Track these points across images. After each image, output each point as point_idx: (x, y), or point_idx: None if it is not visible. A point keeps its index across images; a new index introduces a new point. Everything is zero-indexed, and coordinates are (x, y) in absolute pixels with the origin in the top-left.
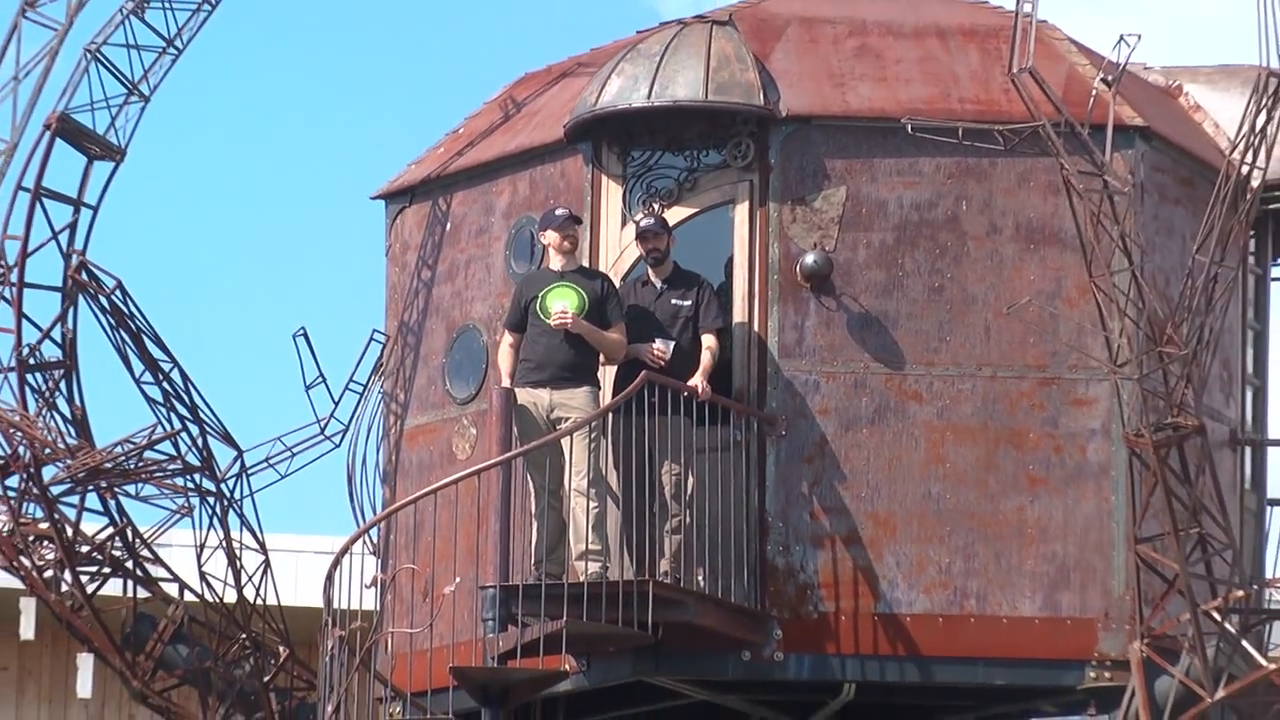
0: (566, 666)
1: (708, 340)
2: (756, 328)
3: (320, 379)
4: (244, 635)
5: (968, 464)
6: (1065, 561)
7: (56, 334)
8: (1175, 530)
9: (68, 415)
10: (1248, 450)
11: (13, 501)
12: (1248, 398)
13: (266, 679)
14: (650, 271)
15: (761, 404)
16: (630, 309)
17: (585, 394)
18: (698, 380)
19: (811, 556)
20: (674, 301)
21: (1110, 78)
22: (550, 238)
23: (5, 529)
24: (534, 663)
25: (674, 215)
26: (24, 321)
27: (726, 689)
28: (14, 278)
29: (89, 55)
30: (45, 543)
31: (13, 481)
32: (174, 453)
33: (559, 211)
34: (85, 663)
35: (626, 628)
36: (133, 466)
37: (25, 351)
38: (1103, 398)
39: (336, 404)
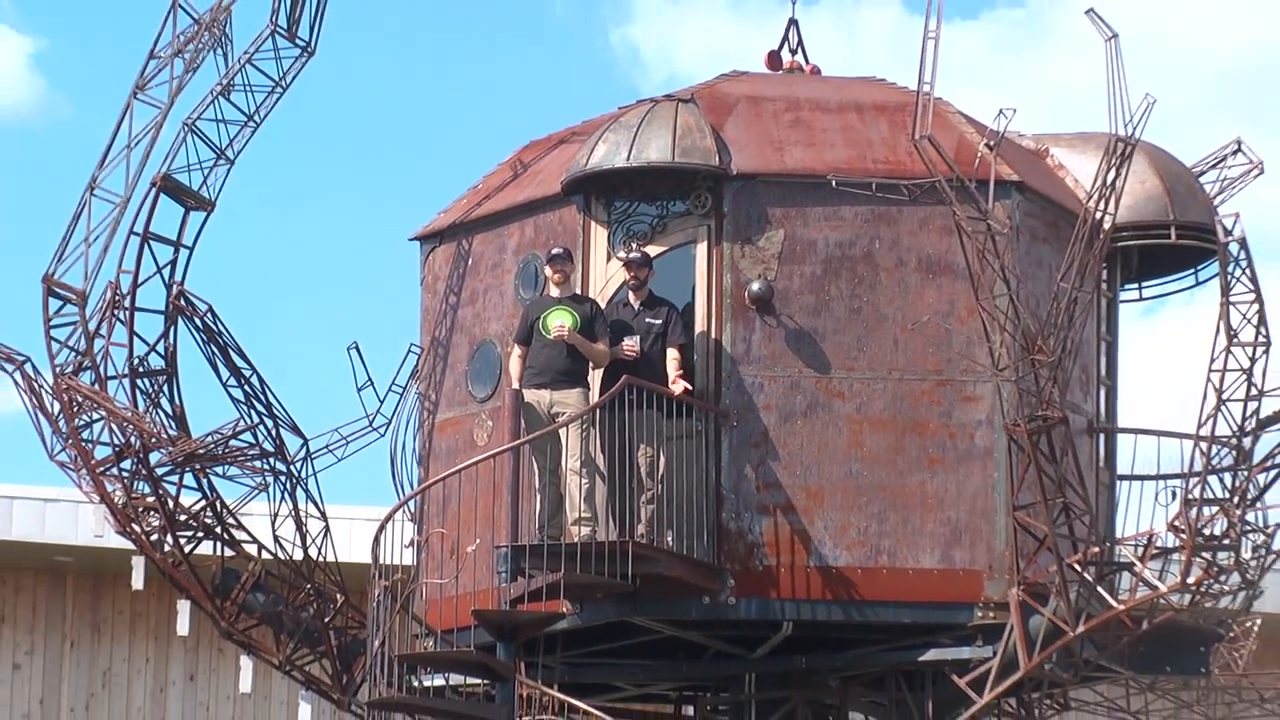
0: (564, 610)
1: (672, 353)
2: (714, 340)
3: (369, 383)
4: (309, 585)
5: (880, 448)
6: (958, 525)
7: (160, 348)
8: (1044, 500)
9: (169, 412)
10: (1101, 436)
11: (126, 480)
12: (1101, 395)
13: (327, 620)
14: (630, 295)
15: (718, 401)
16: (613, 323)
17: (578, 394)
18: (680, 383)
19: (757, 521)
20: (647, 320)
21: (992, 143)
22: (547, 271)
23: (120, 502)
24: (538, 607)
25: (648, 252)
26: (135, 338)
27: (690, 627)
28: (127, 303)
29: (186, 128)
30: (152, 513)
31: (126, 464)
32: (253, 441)
33: (553, 251)
34: (184, 608)
35: (611, 579)
36: (220, 452)
37: (136, 362)
38: (987, 395)
39: (381, 402)
